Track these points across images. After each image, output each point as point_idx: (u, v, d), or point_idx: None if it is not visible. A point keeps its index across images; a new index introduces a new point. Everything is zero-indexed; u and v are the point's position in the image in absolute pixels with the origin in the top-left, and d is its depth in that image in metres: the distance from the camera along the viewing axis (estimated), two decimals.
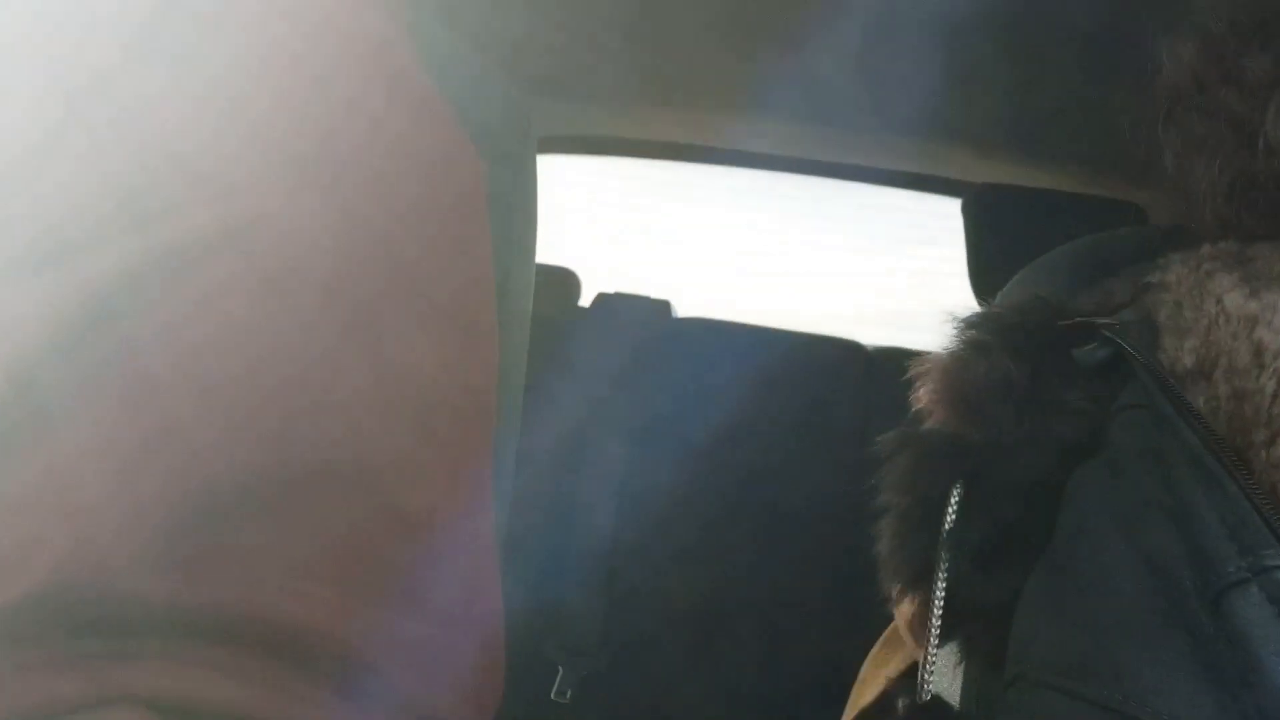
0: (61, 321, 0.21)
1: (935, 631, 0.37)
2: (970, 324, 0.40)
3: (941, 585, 0.36)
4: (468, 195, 0.30)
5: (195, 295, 0.22)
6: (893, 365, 1.30)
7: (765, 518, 1.22)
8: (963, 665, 0.38)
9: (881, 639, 0.88)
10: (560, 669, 1.19)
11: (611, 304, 1.33)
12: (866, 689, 0.86)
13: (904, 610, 0.76)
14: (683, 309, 1.38)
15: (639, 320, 1.31)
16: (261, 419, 0.22)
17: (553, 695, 1.18)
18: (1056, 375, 0.37)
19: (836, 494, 1.25)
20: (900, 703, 0.41)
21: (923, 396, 0.40)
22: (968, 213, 1.23)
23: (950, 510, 0.36)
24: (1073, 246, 0.48)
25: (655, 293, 1.36)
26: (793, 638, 1.20)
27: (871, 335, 1.37)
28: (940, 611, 0.36)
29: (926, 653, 0.37)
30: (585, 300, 1.37)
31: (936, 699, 0.37)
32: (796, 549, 1.21)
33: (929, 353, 1.41)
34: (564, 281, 1.39)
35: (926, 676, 0.37)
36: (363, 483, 0.23)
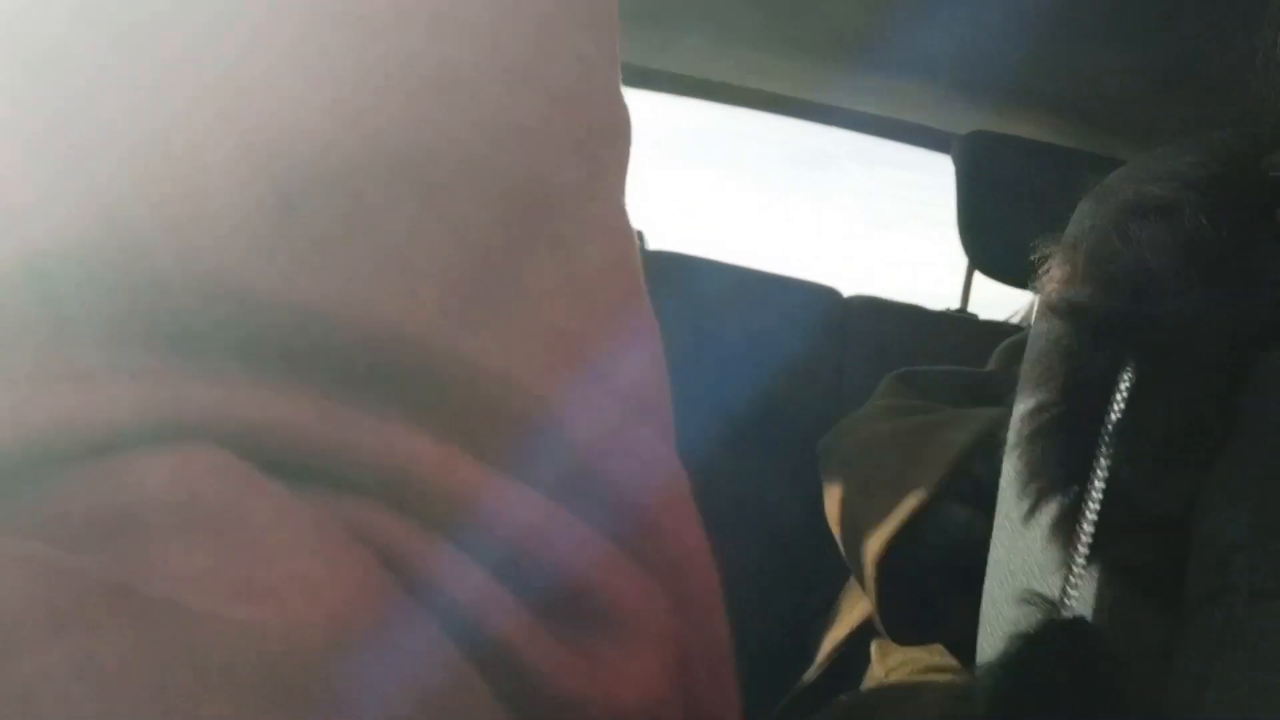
0: None
1: (1085, 546, 0.32)
2: (1142, 179, 0.34)
3: (1099, 490, 0.31)
4: None
5: None
6: (869, 313, 1.28)
7: (735, 452, 1.17)
8: (1099, 585, 0.33)
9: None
10: None
11: None
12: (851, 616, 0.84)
13: (872, 548, 0.72)
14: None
15: None
16: (387, 84, 0.15)
17: None
18: (1256, 240, 0.31)
19: (809, 432, 1.21)
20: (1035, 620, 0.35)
21: (1056, 275, 0.35)
22: (958, 158, 1.19)
23: (1118, 399, 0.31)
24: (1190, 140, 0.43)
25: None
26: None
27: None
28: (1095, 520, 0.31)
29: (1072, 569, 0.32)
30: None
31: (1079, 620, 0.32)
32: (769, 485, 1.17)
33: (904, 304, 1.36)
34: None
35: (1069, 592, 0.32)
36: (515, 189, 0.17)
